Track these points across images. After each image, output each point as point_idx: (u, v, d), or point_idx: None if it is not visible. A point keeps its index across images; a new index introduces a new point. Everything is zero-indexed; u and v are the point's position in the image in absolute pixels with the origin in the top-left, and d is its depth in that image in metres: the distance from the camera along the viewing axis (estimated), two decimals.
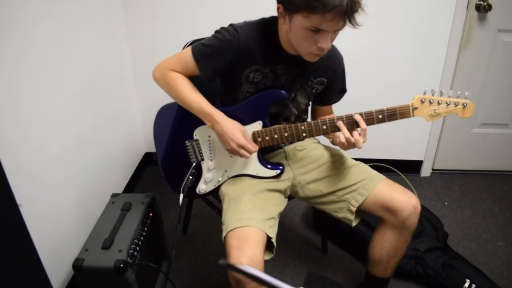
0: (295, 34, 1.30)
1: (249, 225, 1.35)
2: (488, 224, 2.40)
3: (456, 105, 1.35)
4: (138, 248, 1.61)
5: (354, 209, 1.53)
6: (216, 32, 1.44)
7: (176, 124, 1.59)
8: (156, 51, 2.48)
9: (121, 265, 1.47)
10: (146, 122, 2.79)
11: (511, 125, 2.73)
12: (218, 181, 1.61)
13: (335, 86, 1.60)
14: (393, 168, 2.75)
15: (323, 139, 1.61)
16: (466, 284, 1.82)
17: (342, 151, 1.60)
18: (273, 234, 1.41)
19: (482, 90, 2.59)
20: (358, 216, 1.57)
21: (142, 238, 1.66)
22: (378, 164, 2.70)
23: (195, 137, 1.57)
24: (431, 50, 2.46)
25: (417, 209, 1.48)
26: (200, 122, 1.49)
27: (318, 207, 1.66)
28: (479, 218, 2.45)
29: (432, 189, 2.74)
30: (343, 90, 1.64)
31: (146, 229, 1.71)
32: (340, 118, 1.40)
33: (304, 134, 1.46)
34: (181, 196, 1.54)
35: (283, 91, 1.45)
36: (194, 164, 1.58)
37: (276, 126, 1.47)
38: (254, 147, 1.45)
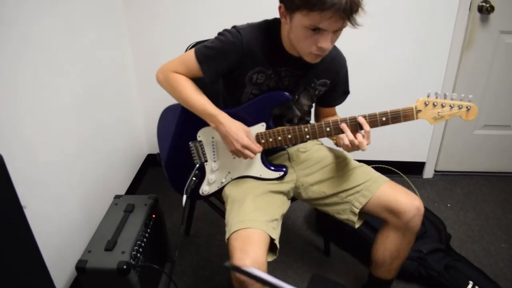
0: (295, 34, 1.30)
1: (253, 226, 1.35)
2: (491, 225, 2.39)
3: (460, 108, 1.35)
4: (141, 249, 1.61)
5: (357, 210, 1.53)
6: (219, 34, 1.44)
7: (179, 125, 1.59)
8: (159, 53, 2.49)
9: (124, 267, 1.47)
10: (148, 123, 2.79)
11: None
12: (221, 182, 1.61)
13: (338, 88, 1.60)
14: (395, 170, 2.75)
15: (326, 141, 1.61)
16: (469, 286, 1.82)
17: (345, 152, 1.60)
18: (276, 235, 1.41)
19: (485, 92, 2.59)
20: (361, 217, 1.57)
21: (145, 239, 1.66)
22: (380, 165, 2.70)
23: (198, 138, 1.57)
24: (433, 51, 2.46)
25: (421, 210, 1.48)
26: (204, 124, 1.49)
27: (321, 208, 1.66)
28: (482, 220, 2.44)
29: (435, 190, 2.73)
30: (346, 92, 1.64)
31: (149, 230, 1.71)
32: (344, 120, 1.40)
33: (307, 136, 1.46)
34: (184, 197, 1.54)
35: (286, 93, 1.45)
36: (197, 165, 1.58)
37: (279, 128, 1.47)
38: (259, 148, 1.45)
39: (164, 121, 1.65)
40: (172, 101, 1.56)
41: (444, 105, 1.35)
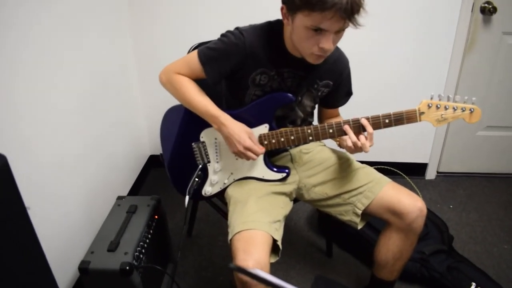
0: (297, 35, 1.30)
1: (255, 228, 1.35)
2: (493, 227, 2.39)
3: (463, 110, 1.34)
4: (143, 250, 1.61)
5: (359, 212, 1.53)
6: (222, 35, 1.44)
7: (183, 126, 1.59)
8: (161, 54, 2.48)
9: (127, 268, 1.47)
10: (151, 124, 2.80)
11: None
12: (224, 183, 1.61)
13: (341, 89, 1.60)
14: (398, 171, 2.74)
15: (329, 142, 1.61)
16: (472, 287, 1.82)
17: (347, 153, 1.60)
18: (279, 237, 1.41)
19: (487, 93, 2.59)
20: (363, 219, 1.57)
21: (147, 240, 1.66)
22: (383, 167, 2.69)
23: (201, 139, 1.57)
24: (436, 52, 2.46)
25: (423, 212, 1.48)
26: (207, 124, 1.49)
27: (323, 210, 1.66)
28: (485, 221, 2.44)
29: (437, 192, 2.73)
30: (349, 93, 1.64)
31: (151, 231, 1.71)
32: (347, 122, 1.40)
33: (310, 138, 1.46)
34: (187, 198, 1.54)
35: (290, 94, 1.45)
36: (200, 166, 1.59)
37: (282, 129, 1.47)
38: (261, 149, 1.46)
39: (167, 122, 1.65)
40: (175, 102, 1.56)
41: (447, 107, 1.35)
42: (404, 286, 1.97)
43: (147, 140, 2.86)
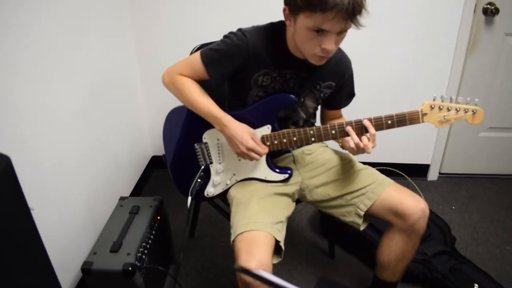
0: (299, 36, 1.30)
1: (258, 228, 1.35)
2: (496, 228, 2.39)
3: (466, 112, 1.35)
4: (146, 251, 1.61)
5: (362, 213, 1.53)
6: (225, 36, 1.44)
7: (185, 127, 1.60)
8: (164, 55, 2.49)
9: (130, 268, 1.48)
10: (153, 125, 2.80)
11: None
12: (227, 184, 1.61)
13: (343, 90, 1.60)
14: (400, 172, 2.74)
15: (331, 143, 1.61)
16: None
17: (350, 155, 1.60)
18: (281, 238, 1.41)
19: (490, 94, 2.59)
20: (366, 220, 1.56)
21: (150, 241, 1.66)
22: (385, 167, 2.69)
23: (204, 140, 1.57)
24: (438, 53, 2.45)
25: (426, 213, 1.48)
26: (210, 125, 1.50)
27: (326, 211, 1.66)
28: (487, 222, 2.44)
29: (439, 193, 2.73)
30: (351, 94, 1.64)
31: (154, 232, 1.72)
32: (349, 123, 1.40)
33: (313, 139, 1.46)
34: (189, 199, 1.54)
35: (292, 96, 1.45)
36: (202, 167, 1.59)
37: (285, 130, 1.47)
38: (264, 149, 1.46)
39: (170, 123, 1.66)
40: (177, 103, 1.56)
41: (450, 108, 1.35)
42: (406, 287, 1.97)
43: (150, 141, 2.86)
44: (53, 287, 1.18)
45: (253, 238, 1.33)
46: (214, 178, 1.61)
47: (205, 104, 1.45)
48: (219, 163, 1.59)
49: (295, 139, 1.47)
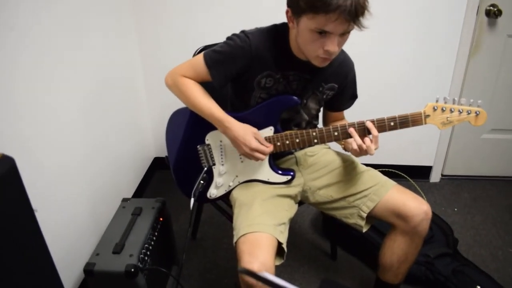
0: (302, 37, 1.30)
1: (261, 230, 1.35)
2: (498, 230, 2.38)
3: (469, 113, 1.34)
4: (148, 252, 1.62)
5: (364, 215, 1.53)
6: (228, 38, 1.45)
7: (188, 129, 1.60)
8: (167, 56, 2.50)
9: (132, 270, 1.48)
10: (155, 127, 2.80)
11: None
12: (229, 186, 1.62)
13: (346, 92, 1.60)
14: (402, 174, 2.74)
15: (334, 145, 1.62)
16: None
17: (352, 156, 1.60)
18: (284, 239, 1.41)
19: (492, 96, 2.58)
20: (368, 222, 1.56)
21: (152, 242, 1.66)
22: (387, 169, 2.69)
23: (207, 142, 1.57)
24: (440, 55, 2.45)
25: (428, 215, 1.48)
26: (212, 127, 1.50)
27: (328, 212, 1.66)
28: (489, 224, 2.43)
29: (442, 195, 2.73)
30: (354, 96, 1.64)
31: (156, 233, 1.72)
32: (352, 124, 1.40)
33: (315, 141, 1.46)
34: (192, 200, 1.54)
35: (295, 97, 1.45)
36: (205, 168, 1.59)
37: (287, 132, 1.48)
38: (268, 148, 1.46)
39: (173, 125, 1.66)
40: (180, 104, 1.56)
41: (452, 110, 1.34)
42: None
43: (152, 142, 2.87)
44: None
45: (256, 240, 1.33)
46: (217, 179, 1.61)
47: (208, 106, 1.46)
48: (222, 164, 1.60)
49: (297, 140, 1.47)
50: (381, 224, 1.61)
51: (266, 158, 1.54)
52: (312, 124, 1.66)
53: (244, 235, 1.35)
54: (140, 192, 2.62)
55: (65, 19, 1.74)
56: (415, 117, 1.37)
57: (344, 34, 1.27)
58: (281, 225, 1.43)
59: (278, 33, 1.44)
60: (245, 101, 1.51)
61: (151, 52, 2.56)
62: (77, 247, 1.79)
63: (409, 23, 2.39)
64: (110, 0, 2.18)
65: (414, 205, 1.47)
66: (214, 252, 2.21)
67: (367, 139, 1.37)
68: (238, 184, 1.61)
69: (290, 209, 1.56)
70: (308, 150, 1.69)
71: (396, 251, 1.56)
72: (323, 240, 2.30)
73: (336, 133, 1.43)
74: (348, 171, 1.61)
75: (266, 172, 1.57)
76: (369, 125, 1.38)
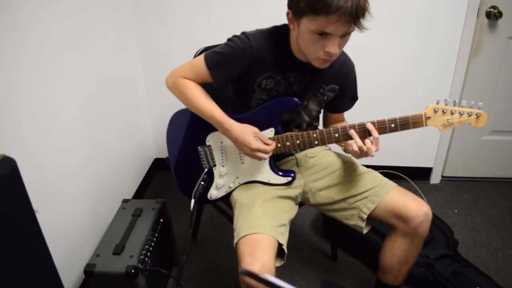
0: (303, 39, 1.30)
1: (261, 232, 1.35)
2: (498, 231, 2.38)
3: (470, 115, 1.34)
4: (149, 253, 1.62)
5: (365, 216, 1.53)
6: (229, 40, 1.45)
7: (189, 130, 1.60)
8: (168, 57, 2.50)
9: (132, 271, 1.48)
10: (156, 128, 2.80)
11: None
12: (230, 187, 1.62)
13: (346, 94, 1.60)
14: (402, 175, 2.74)
15: (334, 147, 1.62)
16: None
17: (353, 158, 1.61)
18: (284, 241, 1.41)
19: (492, 97, 2.58)
20: (369, 223, 1.57)
21: (152, 243, 1.66)
22: (387, 171, 2.69)
23: (207, 143, 1.58)
24: (441, 57, 2.46)
25: (429, 216, 1.48)
26: (213, 128, 1.50)
27: (329, 214, 1.66)
28: (490, 226, 2.43)
29: (442, 196, 2.73)
30: (354, 98, 1.64)
31: (156, 234, 1.72)
32: (352, 126, 1.40)
33: (316, 142, 1.46)
34: (193, 201, 1.54)
35: (296, 99, 1.45)
36: (206, 169, 1.59)
37: (288, 134, 1.48)
38: (270, 146, 1.46)
39: (174, 126, 1.66)
40: (180, 105, 1.56)
41: (453, 112, 1.35)
42: None
43: (153, 143, 2.87)
44: None
45: (256, 241, 1.33)
46: (217, 181, 1.61)
47: (208, 107, 1.46)
48: (223, 166, 1.60)
49: (298, 142, 1.47)
50: (382, 226, 1.61)
51: (267, 160, 1.54)
52: (312, 125, 1.66)
53: (244, 236, 1.35)
54: (140, 193, 2.62)
55: (65, 19, 1.74)
56: (416, 119, 1.37)
57: (345, 36, 1.27)
58: (281, 227, 1.43)
59: (278, 34, 1.44)
60: (246, 103, 1.51)
61: (151, 52, 2.56)
62: (77, 248, 1.79)
63: (409, 25, 2.39)
64: (110, 0, 2.18)
65: (415, 207, 1.47)
66: (214, 253, 2.21)
67: (367, 141, 1.37)
68: (239, 185, 1.61)
69: (290, 210, 1.56)
70: (309, 151, 1.69)
71: (396, 253, 1.56)
72: (323, 241, 2.30)
73: (336, 135, 1.43)
74: (349, 172, 1.61)
75: (266, 173, 1.57)
76: (370, 127, 1.38)
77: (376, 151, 1.38)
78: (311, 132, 1.45)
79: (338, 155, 1.70)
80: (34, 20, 1.53)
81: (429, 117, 1.36)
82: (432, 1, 2.32)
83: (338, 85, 1.55)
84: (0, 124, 1.36)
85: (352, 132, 1.39)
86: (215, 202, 1.69)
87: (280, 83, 1.47)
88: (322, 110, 1.67)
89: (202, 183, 1.56)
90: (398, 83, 2.55)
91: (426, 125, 1.37)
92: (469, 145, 2.76)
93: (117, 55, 2.30)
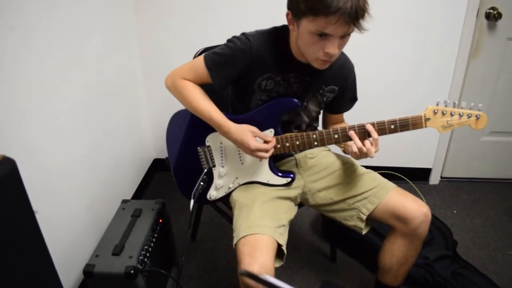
0: (302, 40, 1.30)
1: (261, 232, 1.35)
2: (497, 232, 2.39)
3: (469, 117, 1.35)
4: (148, 254, 1.61)
5: (364, 217, 1.53)
6: (228, 40, 1.45)
7: (188, 130, 1.60)
8: (167, 57, 2.50)
9: (132, 271, 1.48)
10: (155, 128, 2.80)
11: None
12: (229, 187, 1.62)
13: (346, 95, 1.60)
14: (402, 176, 2.74)
15: (334, 147, 1.62)
16: None
17: (352, 159, 1.61)
18: (283, 241, 1.41)
19: (492, 98, 2.59)
20: (368, 224, 1.57)
21: (152, 244, 1.66)
22: (387, 171, 2.69)
23: (207, 144, 1.58)
24: (440, 58, 2.46)
25: (428, 217, 1.48)
26: (213, 129, 1.51)
27: (328, 214, 1.66)
28: (489, 227, 2.44)
29: (441, 197, 2.73)
30: (354, 99, 1.64)
31: (156, 235, 1.72)
32: (352, 127, 1.40)
33: (315, 143, 1.46)
34: (192, 202, 1.54)
35: (295, 100, 1.45)
36: (205, 170, 1.59)
37: (287, 134, 1.48)
38: (270, 143, 1.46)
39: (173, 126, 1.66)
40: (180, 106, 1.56)
41: (453, 113, 1.35)
42: None
43: (152, 143, 2.87)
44: None
45: (256, 241, 1.33)
46: (217, 181, 1.61)
47: (207, 109, 1.46)
48: (222, 166, 1.60)
49: (298, 143, 1.48)
50: (381, 226, 1.62)
51: (266, 160, 1.54)
52: (312, 126, 1.66)
53: (244, 237, 1.35)
54: (139, 193, 2.62)
55: (65, 19, 1.74)
56: (416, 120, 1.37)
57: (344, 37, 1.27)
58: (281, 227, 1.43)
59: (278, 35, 1.44)
60: (245, 103, 1.51)
61: (151, 52, 2.56)
62: (76, 248, 1.79)
63: (409, 26, 2.39)
64: (110, 0, 2.18)
65: (414, 207, 1.47)
66: (214, 253, 2.21)
67: (367, 142, 1.37)
68: (238, 186, 1.61)
69: (290, 211, 1.57)
70: (308, 152, 1.69)
71: (395, 253, 1.56)
72: (322, 242, 2.30)
73: (336, 136, 1.43)
74: (348, 173, 1.62)
75: (266, 174, 1.57)
76: (369, 128, 1.38)
77: (375, 152, 1.38)
78: (310, 133, 1.46)
79: (338, 156, 1.70)
80: (34, 21, 1.53)
81: (428, 119, 1.36)
82: (432, 3, 2.32)
83: (337, 86, 1.55)
84: (0, 124, 1.36)
85: (352, 133, 1.40)
86: (214, 202, 1.69)
87: (280, 84, 1.47)
88: (321, 111, 1.67)
89: (202, 183, 1.57)
90: (398, 84, 2.55)
91: (425, 126, 1.38)
92: (468, 146, 2.76)
93: (117, 55, 2.29)
